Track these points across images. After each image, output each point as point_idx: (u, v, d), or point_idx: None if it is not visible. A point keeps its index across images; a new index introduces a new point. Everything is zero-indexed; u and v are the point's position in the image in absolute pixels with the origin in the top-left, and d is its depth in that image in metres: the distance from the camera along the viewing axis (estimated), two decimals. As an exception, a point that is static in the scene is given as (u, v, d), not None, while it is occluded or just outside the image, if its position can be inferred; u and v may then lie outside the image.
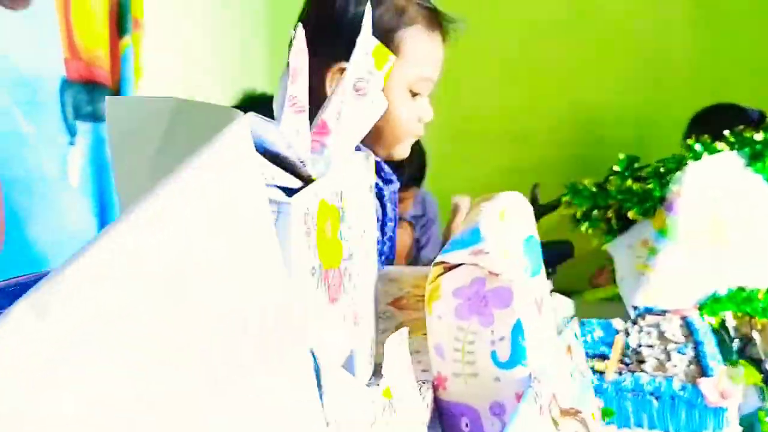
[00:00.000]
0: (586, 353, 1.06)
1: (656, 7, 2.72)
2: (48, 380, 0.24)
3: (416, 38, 1.08)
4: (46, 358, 0.24)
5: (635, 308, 1.27)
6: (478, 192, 2.68)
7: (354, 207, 0.46)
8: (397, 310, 0.69)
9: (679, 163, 1.40)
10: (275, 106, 0.40)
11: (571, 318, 1.30)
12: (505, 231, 0.60)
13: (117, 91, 1.72)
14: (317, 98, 1.03)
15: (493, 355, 0.52)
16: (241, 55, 2.71)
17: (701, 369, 1.00)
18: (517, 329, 0.52)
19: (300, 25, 0.44)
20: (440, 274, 0.54)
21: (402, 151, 1.18)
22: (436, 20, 1.11)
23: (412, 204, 2.40)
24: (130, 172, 0.36)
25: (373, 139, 1.08)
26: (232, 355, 0.29)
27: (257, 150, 0.34)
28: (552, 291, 1.62)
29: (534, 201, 1.86)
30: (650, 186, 1.38)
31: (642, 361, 1.04)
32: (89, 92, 1.64)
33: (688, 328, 1.16)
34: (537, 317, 0.65)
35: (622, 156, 1.48)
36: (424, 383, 0.54)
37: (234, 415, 0.30)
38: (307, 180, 0.41)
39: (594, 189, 1.47)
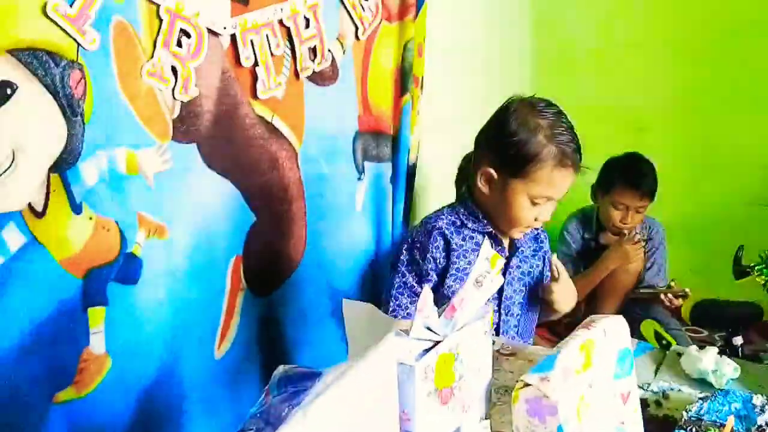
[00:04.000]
0: (715, 422, 1.30)
1: None
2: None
3: (543, 171, 1.42)
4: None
5: (786, 385, 1.43)
6: (704, 221, 2.69)
7: (467, 348, 0.84)
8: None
9: None
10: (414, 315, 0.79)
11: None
12: (603, 345, 0.93)
13: (396, 138, 2.21)
14: (471, 189, 1.54)
15: (546, 440, 0.87)
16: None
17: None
18: (560, 429, 0.85)
19: (428, 287, 0.80)
20: (520, 388, 0.88)
21: (516, 235, 1.56)
22: (567, 161, 1.43)
23: (639, 227, 2.58)
24: (355, 338, 0.78)
25: (497, 222, 1.54)
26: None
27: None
28: (733, 351, 1.78)
29: (737, 261, 1.97)
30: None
31: (761, 437, 1.25)
32: (375, 139, 2.17)
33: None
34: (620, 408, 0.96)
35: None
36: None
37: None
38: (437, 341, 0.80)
39: (782, 263, 1.61)
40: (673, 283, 2.42)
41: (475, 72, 2.80)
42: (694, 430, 1.27)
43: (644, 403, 1.48)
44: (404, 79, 2.19)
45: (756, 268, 1.62)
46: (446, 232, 1.51)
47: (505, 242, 1.57)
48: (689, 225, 2.90)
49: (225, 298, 1.76)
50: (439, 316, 0.83)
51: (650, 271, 2.64)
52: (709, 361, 1.55)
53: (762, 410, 1.32)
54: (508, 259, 1.56)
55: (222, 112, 1.68)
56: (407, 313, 1.48)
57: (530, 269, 1.62)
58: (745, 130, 2.74)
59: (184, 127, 1.60)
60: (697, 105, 2.84)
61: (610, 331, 0.96)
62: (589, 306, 2.65)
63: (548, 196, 1.47)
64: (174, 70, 1.54)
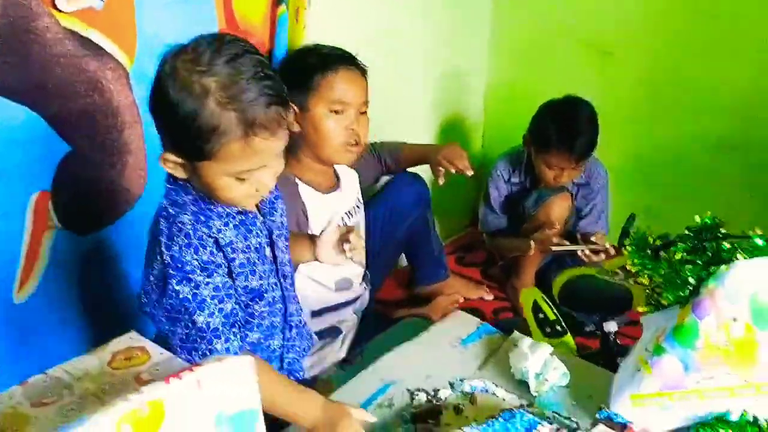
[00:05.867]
0: None
1: None
2: None
3: (232, 148, 1.07)
4: None
5: (600, 409, 1.17)
6: (664, 159, 2.33)
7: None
8: None
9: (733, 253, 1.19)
10: None
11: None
12: (192, 402, 0.68)
13: (270, 56, 1.91)
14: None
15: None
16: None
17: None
18: None
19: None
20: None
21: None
22: (258, 127, 1.07)
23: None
24: None
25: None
26: None
27: None
28: (605, 339, 1.51)
29: (625, 233, 1.64)
30: (686, 270, 1.20)
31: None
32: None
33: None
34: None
35: (697, 218, 1.28)
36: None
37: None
38: None
39: (649, 251, 1.31)
40: (595, 238, 2.12)
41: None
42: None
43: (436, 409, 1.26)
44: (279, -12, 1.86)
45: (628, 248, 1.31)
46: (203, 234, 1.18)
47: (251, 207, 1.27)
48: (646, 163, 2.55)
49: (25, 238, 1.57)
50: None
51: (587, 219, 2.35)
52: (535, 362, 1.31)
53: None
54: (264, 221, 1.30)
55: (7, 26, 1.43)
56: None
57: (281, 221, 1.37)
58: (718, 67, 2.31)
59: (-53, 43, 1.36)
60: (668, 32, 2.39)
61: (208, 383, 0.71)
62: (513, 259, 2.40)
63: (254, 168, 1.12)
64: None
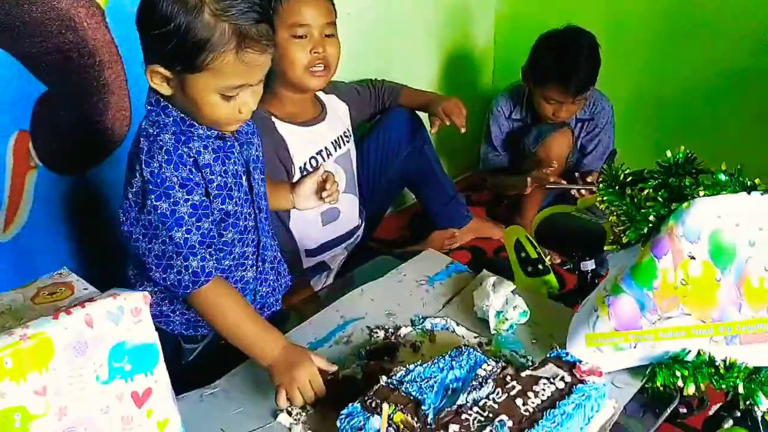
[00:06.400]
0: (409, 395, 1.04)
1: None
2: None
3: (223, 60, 1.10)
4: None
5: (552, 348, 1.14)
6: (674, 93, 2.22)
7: None
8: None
9: (695, 188, 1.14)
10: None
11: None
12: (87, 339, 0.69)
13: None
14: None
15: None
16: None
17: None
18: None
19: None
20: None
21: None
22: (249, 40, 1.10)
23: (584, 106, 2.20)
24: None
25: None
26: None
27: None
28: (582, 277, 1.48)
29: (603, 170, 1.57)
30: (648, 207, 1.16)
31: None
32: None
33: (569, 391, 1.04)
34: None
35: (669, 153, 1.22)
36: None
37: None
38: None
39: (617, 187, 1.26)
40: (591, 177, 2.06)
41: None
42: (373, 403, 1.03)
43: (392, 346, 1.26)
44: None
45: (601, 187, 1.27)
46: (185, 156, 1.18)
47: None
48: (655, 98, 2.44)
49: (7, 178, 1.59)
50: None
51: (591, 156, 2.27)
52: (498, 299, 1.30)
53: (481, 384, 1.05)
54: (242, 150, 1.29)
55: (-31, -37, 1.42)
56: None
57: (257, 155, 1.36)
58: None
59: None
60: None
61: (101, 318, 0.71)
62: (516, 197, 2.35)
63: (241, 85, 1.14)
64: None
